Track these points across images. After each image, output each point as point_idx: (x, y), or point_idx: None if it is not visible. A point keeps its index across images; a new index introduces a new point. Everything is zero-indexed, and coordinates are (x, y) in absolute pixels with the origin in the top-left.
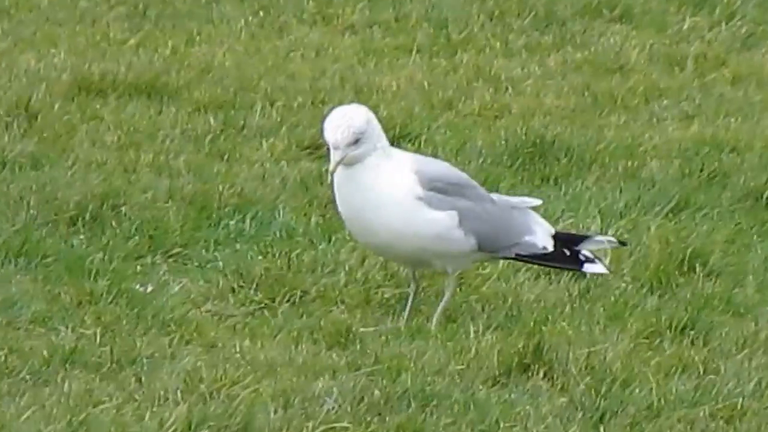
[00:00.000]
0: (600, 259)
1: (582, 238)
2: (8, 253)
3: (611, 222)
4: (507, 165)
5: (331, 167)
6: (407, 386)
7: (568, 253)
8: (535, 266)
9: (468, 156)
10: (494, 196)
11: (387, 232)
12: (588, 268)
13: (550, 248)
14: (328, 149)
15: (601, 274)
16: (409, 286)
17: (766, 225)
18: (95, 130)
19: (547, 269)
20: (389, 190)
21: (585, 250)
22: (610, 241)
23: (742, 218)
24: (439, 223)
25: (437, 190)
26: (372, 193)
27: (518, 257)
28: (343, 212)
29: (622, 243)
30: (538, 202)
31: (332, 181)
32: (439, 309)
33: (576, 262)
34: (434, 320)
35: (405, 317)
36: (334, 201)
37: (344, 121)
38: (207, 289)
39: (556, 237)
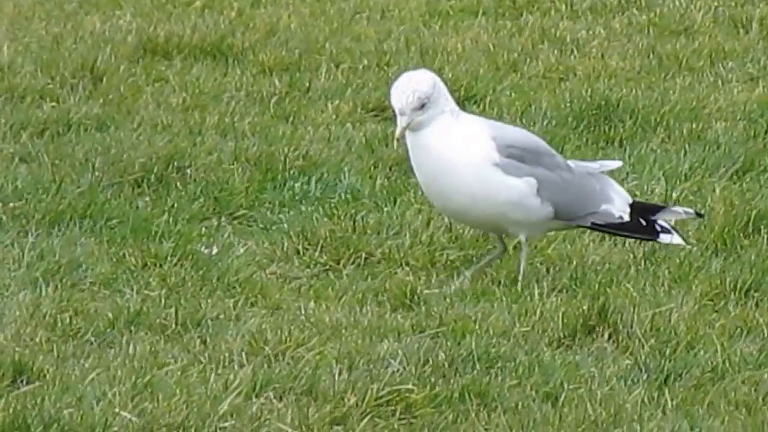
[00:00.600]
0: (678, 231)
1: (659, 208)
2: (73, 215)
3: (676, 184)
4: (572, 127)
5: (397, 132)
6: (472, 348)
7: (644, 223)
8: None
9: (533, 118)
10: (571, 162)
11: (463, 197)
12: (664, 238)
13: (627, 217)
14: (395, 114)
15: (678, 245)
16: (497, 246)
17: None
18: (160, 92)
19: None
20: (465, 154)
21: (662, 220)
22: (686, 212)
23: None
24: (515, 190)
25: (514, 157)
26: (445, 156)
27: (594, 226)
28: (418, 177)
29: (699, 215)
30: (618, 164)
31: (406, 146)
32: (520, 279)
33: (652, 233)
34: (519, 282)
35: (472, 271)
36: (410, 167)
37: (410, 86)
38: (272, 251)
39: (633, 206)
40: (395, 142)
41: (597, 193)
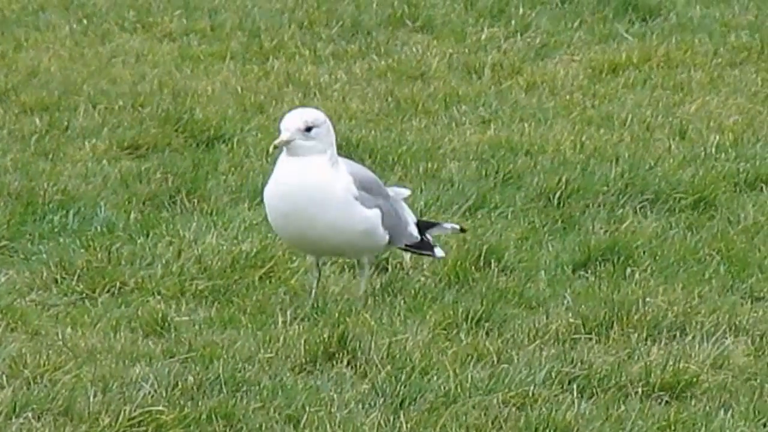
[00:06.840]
0: (436, 245)
1: (432, 225)
2: None
3: None
4: None
5: (276, 141)
6: (219, 373)
7: (424, 239)
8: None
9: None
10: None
11: (325, 226)
12: (437, 252)
13: (417, 236)
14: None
15: (441, 258)
16: (312, 274)
17: (557, 224)
18: None
19: (352, 263)
20: (331, 187)
21: (429, 236)
22: (453, 228)
23: (534, 217)
24: (369, 220)
25: (365, 190)
26: (313, 187)
27: (406, 247)
28: (277, 203)
29: (462, 230)
30: (408, 192)
31: (273, 173)
32: (361, 295)
33: (431, 248)
34: (360, 294)
35: (311, 302)
36: (266, 193)
37: (300, 113)
38: (31, 280)
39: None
40: (272, 148)
41: (406, 217)
